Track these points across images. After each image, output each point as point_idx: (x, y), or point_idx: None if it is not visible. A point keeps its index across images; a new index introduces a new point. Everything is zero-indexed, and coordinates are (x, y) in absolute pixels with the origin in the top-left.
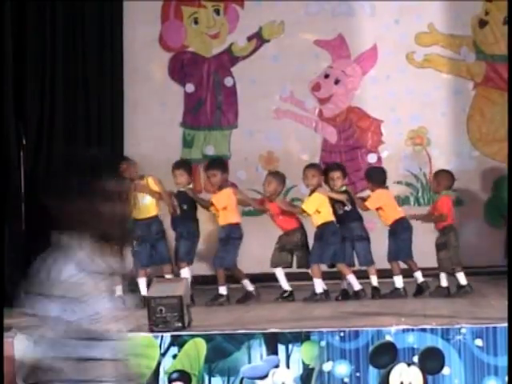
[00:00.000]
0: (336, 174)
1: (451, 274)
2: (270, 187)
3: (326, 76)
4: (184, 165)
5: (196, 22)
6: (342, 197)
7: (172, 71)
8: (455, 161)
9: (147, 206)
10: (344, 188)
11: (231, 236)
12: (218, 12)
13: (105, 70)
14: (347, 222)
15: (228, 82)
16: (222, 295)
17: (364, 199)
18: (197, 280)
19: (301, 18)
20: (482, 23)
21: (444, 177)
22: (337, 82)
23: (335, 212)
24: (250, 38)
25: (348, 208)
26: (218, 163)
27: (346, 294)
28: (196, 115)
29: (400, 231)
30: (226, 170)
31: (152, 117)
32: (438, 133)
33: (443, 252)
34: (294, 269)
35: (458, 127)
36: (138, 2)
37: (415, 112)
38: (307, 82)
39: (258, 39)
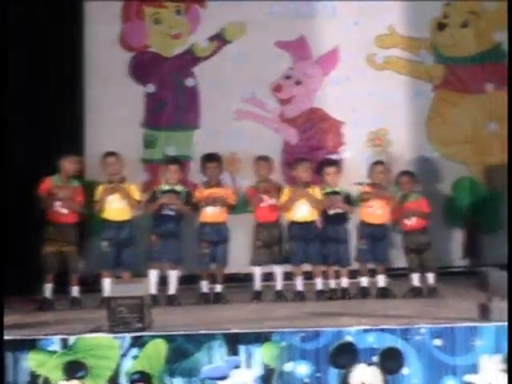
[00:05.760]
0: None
1: (422, 275)
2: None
3: (288, 77)
4: (179, 162)
5: (157, 22)
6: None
7: (133, 71)
8: (415, 162)
9: (122, 209)
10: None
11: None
12: (179, 12)
13: (66, 69)
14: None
15: (190, 82)
16: None
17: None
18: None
19: (263, 19)
20: (441, 26)
21: (415, 176)
22: (298, 83)
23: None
24: (211, 39)
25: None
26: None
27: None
28: (157, 115)
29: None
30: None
31: (113, 117)
32: (398, 134)
33: (429, 252)
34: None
35: (417, 129)
36: (98, 2)
37: (376, 113)
38: (269, 83)
39: (220, 40)
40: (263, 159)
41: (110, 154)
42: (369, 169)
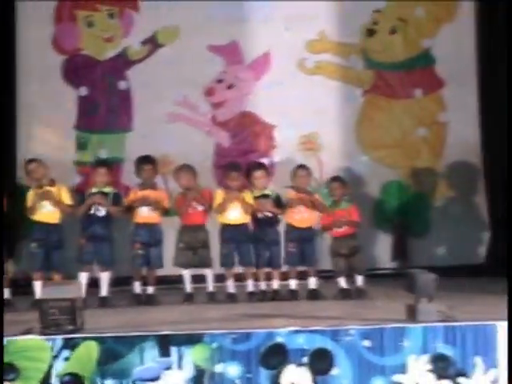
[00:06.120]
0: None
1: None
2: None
3: (220, 81)
4: (107, 164)
5: (90, 25)
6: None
7: (66, 74)
8: (345, 165)
9: (52, 212)
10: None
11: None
12: (112, 16)
13: None
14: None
15: (122, 85)
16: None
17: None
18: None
19: (195, 24)
20: (371, 32)
21: (345, 182)
22: (230, 86)
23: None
24: (144, 42)
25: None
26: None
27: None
28: (90, 118)
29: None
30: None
31: (46, 119)
32: (329, 138)
33: (358, 255)
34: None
35: (348, 133)
36: (31, 2)
37: (307, 117)
38: (201, 87)
39: (153, 43)
40: (183, 169)
41: (32, 160)
42: (292, 173)
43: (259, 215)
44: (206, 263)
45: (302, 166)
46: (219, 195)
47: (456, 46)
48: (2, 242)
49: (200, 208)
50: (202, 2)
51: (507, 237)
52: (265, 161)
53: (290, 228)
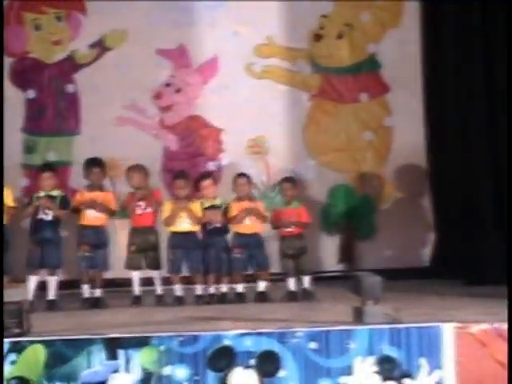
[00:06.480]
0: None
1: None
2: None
3: (168, 85)
4: (52, 168)
5: (38, 28)
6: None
7: (13, 77)
8: (292, 169)
9: None
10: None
11: None
12: (59, 19)
13: None
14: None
15: (70, 88)
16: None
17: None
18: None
19: (143, 27)
20: (318, 37)
21: (296, 183)
22: (178, 90)
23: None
24: (92, 46)
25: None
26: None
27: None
28: (38, 121)
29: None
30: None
31: None
32: (277, 142)
33: (305, 256)
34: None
35: (295, 137)
36: None
37: (254, 121)
38: (149, 91)
39: (101, 47)
40: (134, 169)
41: None
42: (232, 182)
43: (208, 226)
44: (156, 265)
45: (241, 175)
46: (167, 208)
47: (401, 50)
48: (1, 242)
49: (149, 209)
50: (150, 6)
51: (508, 240)
52: (212, 164)
53: (237, 235)
